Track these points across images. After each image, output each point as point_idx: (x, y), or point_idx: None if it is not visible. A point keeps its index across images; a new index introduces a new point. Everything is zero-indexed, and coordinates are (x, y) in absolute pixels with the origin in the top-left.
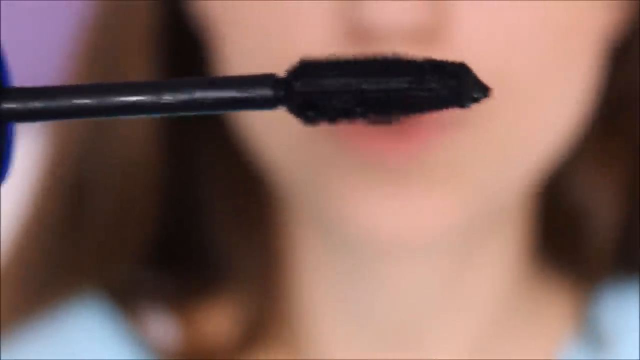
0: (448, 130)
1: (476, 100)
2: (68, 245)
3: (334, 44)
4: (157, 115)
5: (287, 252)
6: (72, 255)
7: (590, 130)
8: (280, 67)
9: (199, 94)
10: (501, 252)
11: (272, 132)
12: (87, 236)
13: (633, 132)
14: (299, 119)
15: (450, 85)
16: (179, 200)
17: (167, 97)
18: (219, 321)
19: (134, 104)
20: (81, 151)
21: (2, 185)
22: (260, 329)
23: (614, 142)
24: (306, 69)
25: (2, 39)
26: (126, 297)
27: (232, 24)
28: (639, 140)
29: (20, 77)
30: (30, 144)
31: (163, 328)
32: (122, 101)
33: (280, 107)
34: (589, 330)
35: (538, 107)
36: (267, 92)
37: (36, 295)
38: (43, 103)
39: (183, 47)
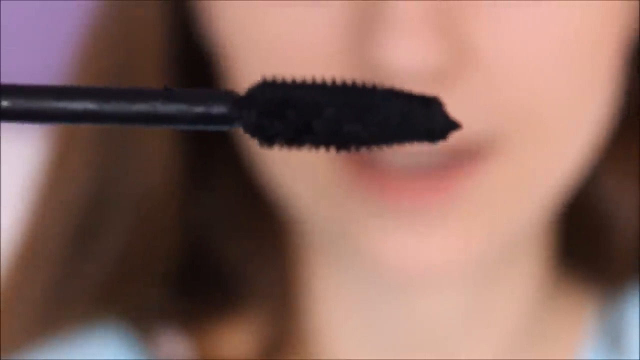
0: (475, 170)
1: (444, 135)
2: (84, 268)
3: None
4: (106, 125)
5: (304, 273)
6: (88, 279)
7: (612, 136)
8: None
9: (155, 107)
10: (524, 269)
11: (293, 171)
12: (103, 260)
13: None
14: (254, 137)
15: (418, 119)
16: (195, 222)
17: (119, 107)
18: (237, 343)
19: (81, 112)
20: (98, 175)
21: None
22: (278, 351)
23: (634, 147)
24: (265, 87)
25: (6, 37)
26: (143, 319)
27: (243, 47)
28: None
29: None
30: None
31: (181, 350)
32: (68, 108)
33: (236, 125)
34: (611, 338)
35: (565, 133)
36: (222, 109)
37: (52, 320)
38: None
39: (194, 58)
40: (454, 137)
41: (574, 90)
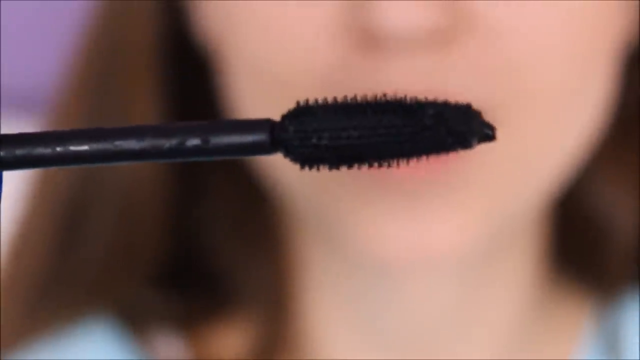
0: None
1: (482, 141)
2: (72, 265)
3: (342, 53)
4: (150, 161)
5: (297, 270)
6: (77, 276)
7: (607, 137)
8: (285, 78)
9: (190, 141)
10: (518, 264)
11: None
12: (92, 256)
13: None
14: (296, 163)
15: (455, 132)
16: (186, 220)
17: (167, 144)
18: (229, 341)
19: (127, 151)
20: (85, 169)
21: None
22: (272, 348)
23: (631, 149)
24: (302, 115)
25: (2, 41)
26: (135, 319)
27: (234, 37)
28: None
29: (18, 78)
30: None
31: (173, 349)
32: (105, 148)
33: (276, 153)
34: (607, 341)
35: (564, 110)
36: (262, 137)
37: (42, 316)
38: (36, 150)
39: (188, 61)
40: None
41: (573, 66)
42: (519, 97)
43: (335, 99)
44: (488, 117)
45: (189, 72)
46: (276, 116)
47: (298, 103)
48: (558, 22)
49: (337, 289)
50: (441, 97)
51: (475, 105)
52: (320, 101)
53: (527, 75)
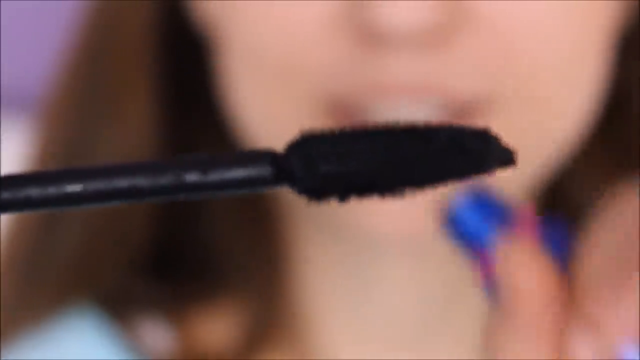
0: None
1: (500, 166)
2: (55, 252)
3: (341, 48)
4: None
5: (288, 253)
6: (60, 262)
7: (591, 132)
8: (284, 69)
9: (189, 177)
10: None
11: (277, 138)
12: (75, 242)
13: (633, 134)
14: (302, 195)
15: (471, 158)
16: (172, 203)
17: (164, 181)
18: (219, 327)
19: (125, 189)
20: (67, 153)
21: None
22: (263, 333)
23: (614, 144)
24: (307, 146)
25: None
26: (120, 305)
27: (235, 25)
28: (639, 142)
29: (14, 75)
30: (14, 143)
31: (161, 336)
32: (107, 187)
33: (282, 185)
34: None
35: (555, 107)
36: (266, 171)
37: (25, 305)
38: (31, 192)
39: (183, 46)
40: (451, 98)
41: (569, 60)
42: (516, 91)
43: (342, 128)
44: (486, 110)
45: (185, 64)
46: (277, 107)
47: (301, 132)
48: (554, 16)
49: (330, 271)
50: (440, 92)
51: (474, 97)
52: (325, 130)
53: (524, 70)
